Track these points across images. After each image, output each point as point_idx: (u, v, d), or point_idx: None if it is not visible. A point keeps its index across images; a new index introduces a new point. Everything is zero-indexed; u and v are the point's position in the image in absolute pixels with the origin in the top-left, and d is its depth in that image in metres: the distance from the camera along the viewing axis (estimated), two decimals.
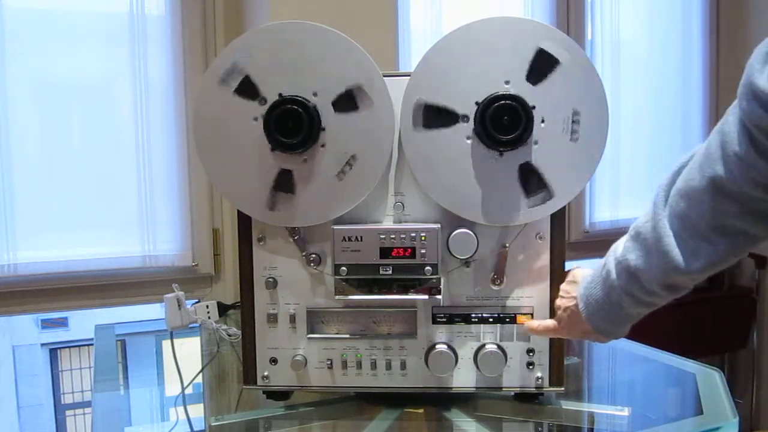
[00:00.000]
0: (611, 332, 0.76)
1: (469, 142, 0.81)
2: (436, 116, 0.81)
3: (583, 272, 0.79)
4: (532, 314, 0.86)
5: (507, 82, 0.79)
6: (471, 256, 0.84)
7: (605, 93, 0.81)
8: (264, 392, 0.90)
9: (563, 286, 0.83)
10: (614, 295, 0.72)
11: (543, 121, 0.80)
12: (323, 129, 0.81)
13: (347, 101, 0.81)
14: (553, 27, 0.81)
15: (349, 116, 0.81)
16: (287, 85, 0.80)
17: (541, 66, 0.79)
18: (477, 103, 0.79)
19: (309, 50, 0.81)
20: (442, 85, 0.80)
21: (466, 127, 0.80)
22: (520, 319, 0.86)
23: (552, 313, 0.86)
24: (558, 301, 0.83)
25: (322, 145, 0.81)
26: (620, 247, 0.71)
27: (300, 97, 0.79)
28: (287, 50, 0.81)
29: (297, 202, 0.82)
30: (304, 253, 0.86)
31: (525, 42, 0.80)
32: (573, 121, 0.80)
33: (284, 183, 0.82)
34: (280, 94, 0.80)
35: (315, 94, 0.81)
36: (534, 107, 0.79)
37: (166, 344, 1.14)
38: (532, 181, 0.81)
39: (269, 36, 0.82)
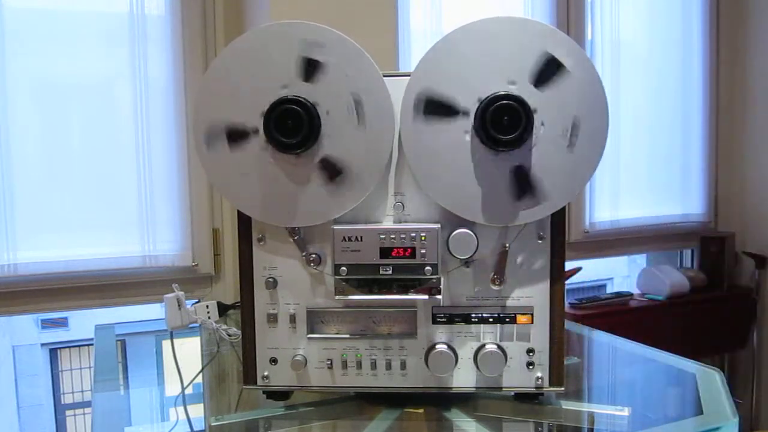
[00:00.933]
0: None
1: (468, 138, 0.80)
2: (436, 108, 0.80)
3: None
4: (532, 314, 0.86)
5: (512, 83, 0.79)
6: (471, 256, 0.83)
7: (607, 103, 0.80)
8: (264, 392, 0.90)
9: None
10: None
11: (543, 124, 0.80)
12: (322, 124, 0.80)
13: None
14: (566, 35, 0.80)
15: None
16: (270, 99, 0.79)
17: (548, 71, 0.79)
18: (479, 100, 0.79)
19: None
20: (445, 78, 0.80)
21: (466, 123, 0.80)
22: (520, 319, 0.86)
23: (552, 313, 0.86)
24: None
25: (322, 145, 0.81)
26: None
27: (299, 96, 0.79)
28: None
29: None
30: (304, 253, 0.86)
31: (533, 45, 0.79)
32: (572, 134, 0.80)
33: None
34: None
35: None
36: (536, 110, 0.78)
37: (166, 344, 1.14)
38: (525, 183, 0.81)
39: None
